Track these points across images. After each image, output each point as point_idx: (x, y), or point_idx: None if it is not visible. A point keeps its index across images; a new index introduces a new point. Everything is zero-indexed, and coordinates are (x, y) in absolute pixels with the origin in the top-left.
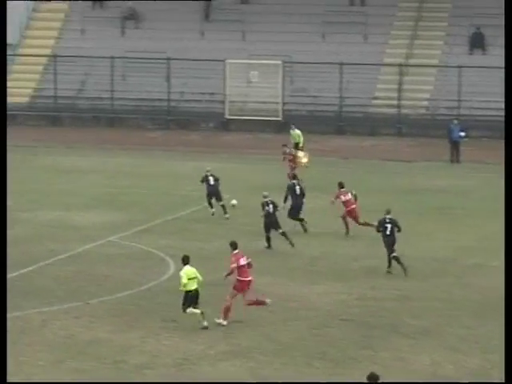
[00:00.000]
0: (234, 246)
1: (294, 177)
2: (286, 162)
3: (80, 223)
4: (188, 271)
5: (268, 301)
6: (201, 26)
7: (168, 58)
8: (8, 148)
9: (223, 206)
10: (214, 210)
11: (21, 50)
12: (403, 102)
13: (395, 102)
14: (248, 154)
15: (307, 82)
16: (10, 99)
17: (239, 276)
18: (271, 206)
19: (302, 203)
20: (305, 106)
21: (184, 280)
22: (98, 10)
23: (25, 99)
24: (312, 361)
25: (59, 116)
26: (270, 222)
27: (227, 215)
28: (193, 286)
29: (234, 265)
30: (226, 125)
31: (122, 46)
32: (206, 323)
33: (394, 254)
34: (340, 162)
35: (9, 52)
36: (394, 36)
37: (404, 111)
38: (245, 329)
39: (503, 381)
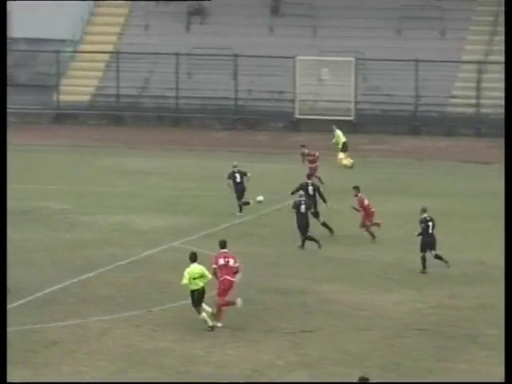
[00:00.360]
0: (222, 244)
1: (309, 176)
2: (305, 164)
3: (142, 227)
4: (193, 270)
5: (239, 301)
6: (269, 20)
7: (235, 55)
8: (68, 148)
9: (243, 204)
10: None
11: (82, 47)
12: (482, 101)
13: (474, 101)
14: (320, 155)
15: (381, 80)
16: (70, 98)
17: (220, 276)
18: (303, 206)
19: (313, 203)
20: (378, 105)
21: (185, 280)
22: (162, 5)
23: (86, 98)
24: (385, 373)
25: (121, 115)
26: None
27: (241, 213)
28: (197, 286)
29: (214, 266)
30: (295, 125)
31: (188, 43)
32: (211, 324)
33: (436, 253)
34: (414, 164)
35: (69, 48)
36: (472, 32)
37: (483, 110)
38: (314, 338)
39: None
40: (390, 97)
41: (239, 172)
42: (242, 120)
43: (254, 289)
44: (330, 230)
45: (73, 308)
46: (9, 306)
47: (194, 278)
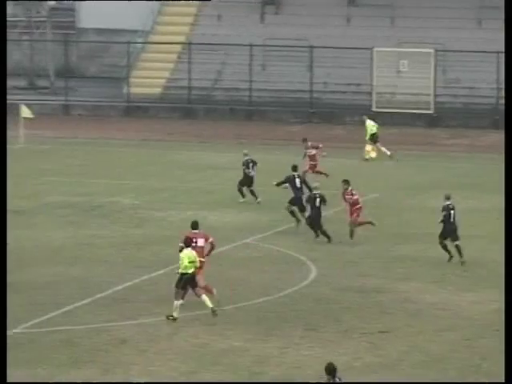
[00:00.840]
0: (193, 225)
1: (295, 168)
2: (306, 159)
3: (215, 223)
4: (189, 254)
5: (214, 290)
6: (346, 11)
7: (311, 46)
8: (138, 142)
9: (253, 191)
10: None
11: (153, 38)
12: None
13: None
14: (396, 150)
15: (461, 72)
16: (140, 90)
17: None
18: (318, 200)
19: (301, 196)
20: (458, 98)
21: (185, 262)
22: None
23: (157, 90)
24: (464, 375)
25: (193, 108)
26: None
27: (259, 199)
28: (190, 270)
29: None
30: (372, 118)
31: (262, 33)
32: (175, 315)
33: (457, 243)
34: (496, 159)
35: (140, 39)
36: None
37: None
38: (392, 339)
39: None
40: (471, 89)
41: (252, 161)
42: (317, 113)
43: (330, 287)
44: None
45: (143, 306)
46: (78, 304)
47: (190, 262)
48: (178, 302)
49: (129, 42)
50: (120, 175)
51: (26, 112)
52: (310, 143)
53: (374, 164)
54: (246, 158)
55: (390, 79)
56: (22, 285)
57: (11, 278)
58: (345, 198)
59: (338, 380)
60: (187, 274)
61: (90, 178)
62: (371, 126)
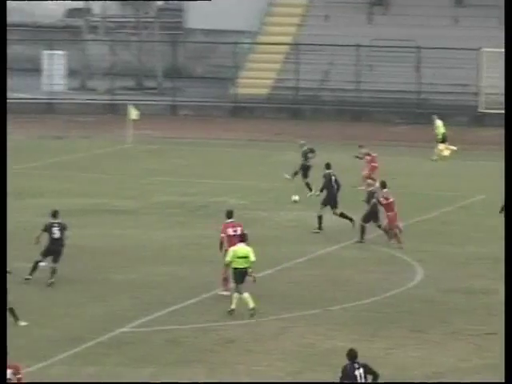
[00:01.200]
0: (228, 214)
1: (328, 166)
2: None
3: (322, 224)
4: (238, 250)
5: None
6: (454, 11)
7: (418, 47)
8: (245, 142)
9: (308, 184)
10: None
11: (260, 38)
12: None
13: None
14: (502, 151)
15: None
16: (247, 91)
17: (228, 246)
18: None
19: (336, 195)
20: None
21: (228, 258)
22: None
23: (264, 91)
24: None
25: (300, 109)
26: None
27: (313, 193)
28: (241, 265)
29: (223, 234)
30: (479, 119)
31: (369, 34)
32: (233, 307)
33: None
34: None
35: (247, 40)
36: None
37: None
38: (499, 341)
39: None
40: None
41: (311, 150)
42: (424, 114)
43: (437, 288)
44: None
45: None
46: (185, 303)
47: (239, 257)
48: (235, 295)
49: (236, 43)
50: (226, 175)
51: (132, 113)
52: (364, 150)
53: (476, 165)
54: (304, 148)
55: (497, 80)
56: (129, 284)
57: (118, 277)
58: (379, 201)
59: (356, 366)
60: (239, 268)
61: (197, 178)
62: (441, 125)
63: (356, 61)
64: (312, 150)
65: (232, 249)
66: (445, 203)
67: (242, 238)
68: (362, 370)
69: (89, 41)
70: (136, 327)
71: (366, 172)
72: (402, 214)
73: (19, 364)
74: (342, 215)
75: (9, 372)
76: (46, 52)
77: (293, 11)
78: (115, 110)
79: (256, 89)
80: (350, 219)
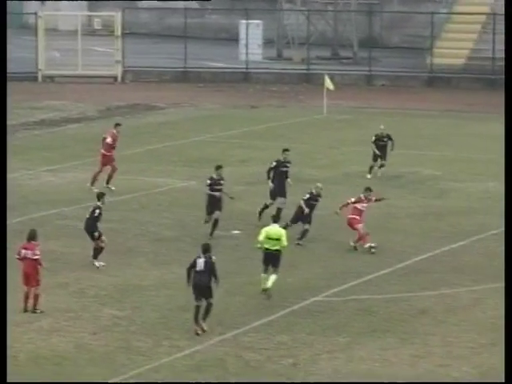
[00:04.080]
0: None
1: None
2: None
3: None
4: (270, 230)
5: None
6: None
7: None
8: (440, 113)
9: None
10: None
11: (457, 8)
12: None
13: None
14: None
15: None
16: (444, 61)
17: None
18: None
19: None
20: None
21: (260, 237)
22: None
23: (460, 61)
24: None
25: (496, 79)
26: None
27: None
28: (271, 246)
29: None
30: None
31: None
32: (264, 286)
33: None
34: None
35: (444, 10)
36: None
37: None
38: None
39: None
40: None
41: (388, 136)
42: None
43: None
44: None
45: (442, 277)
46: (378, 273)
47: (270, 238)
48: (262, 275)
49: (433, 13)
50: (421, 146)
51: (328, 83)
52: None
53: None
54: (381, 131)
55: None
56: (321, 253)
57: (311, 245)
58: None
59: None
60: (267, 249)
61: (403, 149)
62: None
63: None
64: (389, 136)
65: (264, 229)
66: None
67: (276, 219)
68: None
69: (285, 10)
70: (329, 296)
71: None
72: None
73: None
74: None
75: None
76: (242, 21)
77: None
78: (310, 80)
79: (452, 59)
80: None
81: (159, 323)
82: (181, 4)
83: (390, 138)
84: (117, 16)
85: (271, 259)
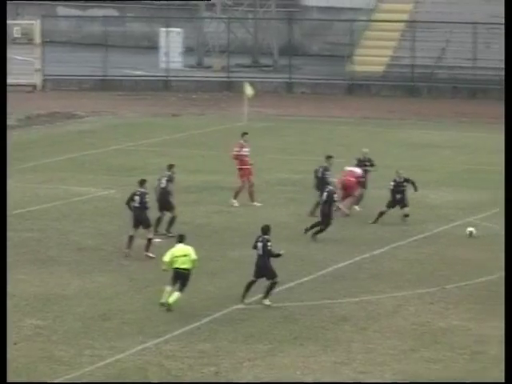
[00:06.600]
0: None
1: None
2: None
3: (435, 202)
4: (176, 250)
5: None
6: None
7: None
8: (359, 121)
9: None
10: None
11: (376, 16)
12: None
13: None
14: None
15: None
16: (363, 68)
17: None
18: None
19: None
20: None
21: (165, 258)
22: None
23: (380, 68)
24: None
25: (415, 86)
26: None
27: None
28: (180, 265)
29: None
30: None
31: (486, 11)
32: (163, 300)
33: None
34: None
35: (363, 17)
36: None
37: None
38: None
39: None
40: None
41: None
42: None
43: None
44: None
45: (363, 284)
46: (299, 281)
47: (177, 257)
48: (167, 289)
49: (352, 20)
50: (339, 153)
51: (248, 90)
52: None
53: None
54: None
55: None
56: (244, 261)
57: (233, 253)
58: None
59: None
60: (177, 268)
61: (311, 156)
62: None
63: (473, 38)
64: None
65: (170, 250)
66: None
67: (181, 239)
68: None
69: (205, 18)
70: (251, 304)
71: None
72: None
73: None
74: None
75: None
76: (163, 29)
77: None
78: (231, 88)
79: (372, 66)
80: None
81: (81, 332)
82: (100, 12)
83: (372, 164)
84: (36, 24)
85: (180, 278)
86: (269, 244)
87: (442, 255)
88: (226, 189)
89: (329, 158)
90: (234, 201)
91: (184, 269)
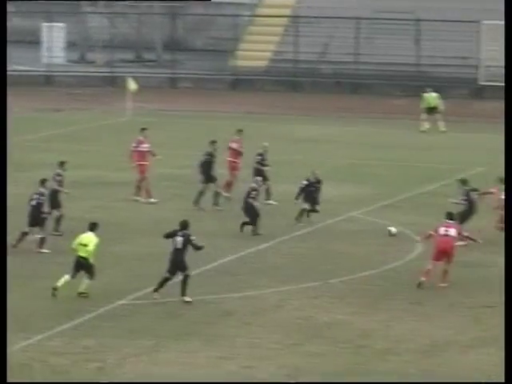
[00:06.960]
0: (448, 216)
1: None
2: None
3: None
4: (82, 238)
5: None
6: None
7: (417, 19)
8: (242, 115)
9: None
10: None
11: (259, 10)
12: None
13: None
14: (502, 124)
15: None
16: (247, 63)
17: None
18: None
19: None
20: None
21: (73, 245)
22: None
23: (263, 63)
24: None
25: (299, 81)
26: None
27: None
28: (80, 253)
29: (431, 232)
30: (479, 92)
31: (369, 6)
32: (58, 284)
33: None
34: None
35: (246, 12)
36: None
37: None
38: (496, 314)
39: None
40: None
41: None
42: (423, 87)
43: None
44: None
45: (247, 279)
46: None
47: (81, 244)
48: (64, 278)
49: (235, 15)
50: (220, 148)
51: (130, 85)
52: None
53: (476, 138)
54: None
55: (497, 52)
56: (126, 256)
57: (115, 249)
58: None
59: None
60: (78, 256)
61: (195, 151)
62: (429, 98)
63: (355, 33)
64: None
65: (80, 235)
66: (444, 176)
67: (91, 227)
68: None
69: (88, 13)
70: (134, 299)
71: None
72: (402, 186)
73: None
74: None
75: None
76: (45, 24)
77: None
78: (114, 83)
79: (255, 61)
80: None
81: None
82: None
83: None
84: None
85: (80, 265)
86: (192, 238)
87: (326, 250)
88: (110, 184)
89: (213, 142)
90: (139, 197)
91: (82, 257)
